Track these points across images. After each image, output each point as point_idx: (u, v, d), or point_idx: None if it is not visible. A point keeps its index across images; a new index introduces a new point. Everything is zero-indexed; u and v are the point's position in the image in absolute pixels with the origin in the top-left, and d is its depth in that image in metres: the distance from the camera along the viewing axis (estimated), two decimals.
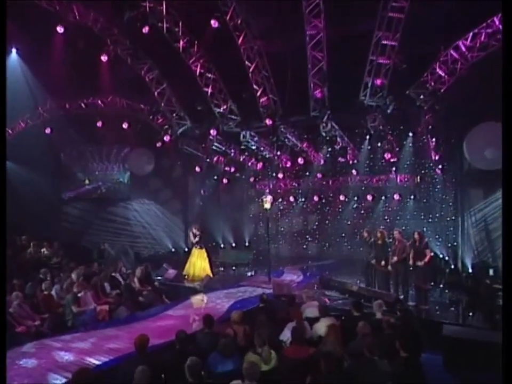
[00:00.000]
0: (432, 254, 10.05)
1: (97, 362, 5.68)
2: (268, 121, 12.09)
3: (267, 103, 12.38)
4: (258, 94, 12.36)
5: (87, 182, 18.43)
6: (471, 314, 8.99)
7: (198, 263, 12.23)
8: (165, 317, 8.22)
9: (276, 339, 5.98)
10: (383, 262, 10.20)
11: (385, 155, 12.91)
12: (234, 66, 12.40)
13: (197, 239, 12.34)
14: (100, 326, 7.64)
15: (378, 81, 10.35)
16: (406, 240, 10.10)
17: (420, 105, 10.47)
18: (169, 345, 6.08)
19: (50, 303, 8.23)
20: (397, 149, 13.72)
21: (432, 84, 10.28)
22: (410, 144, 14.05)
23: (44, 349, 6.12)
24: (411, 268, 9.65)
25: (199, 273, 12.07)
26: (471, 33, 9.70)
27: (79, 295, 8.47)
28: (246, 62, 11.91)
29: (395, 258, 9.80)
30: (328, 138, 12.53)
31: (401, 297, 9.46)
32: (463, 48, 9.89)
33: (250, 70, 12.01)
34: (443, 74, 10.28)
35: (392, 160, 13.87)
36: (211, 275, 12.06)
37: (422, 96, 10.41)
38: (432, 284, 10.56)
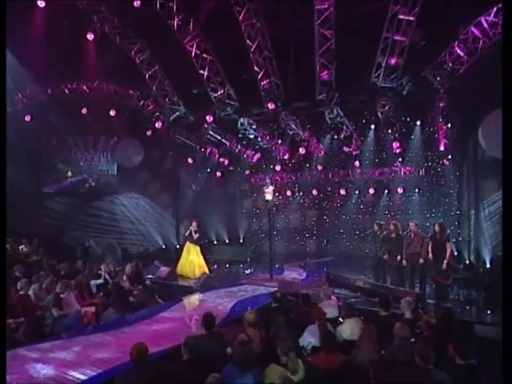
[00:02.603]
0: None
1: (82, 377, 4.63)
2: (270, 106, 11.13)
3: (269, 86, 11.41)
4: (260, 76, 11.38)
5: (69, 174, 16.90)
6: (489, 312, 8.31)
7: (195, 261, 11.20)
8: (160, 320, 7.19)
9: (297, 345, 5.05)
10: (398, 257, 9.37)
11: (394, 144, 12.08)
12: (233, 46, 11.47)
13: (197, 235, 11.30)
14: (85, 331, 6.56)
15: (392, 61, 9.51)
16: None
17: (436, 87, 9.62)
18: (171, 353, 5.09)
19: (27, 305, 7.10)
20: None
21: (450, 64, 9.44)
22: (418, 133, 13.36)
23: (16, 361, 5.01)
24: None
25: (197, 271, 11.04)
26: (494, 8, 8.90)
27: (61, 295, 7.36)
28: (247, 41, 10.91)
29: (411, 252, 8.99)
30: (333, 125, 11.60)
31: None
32: (485, 25, 9.09)
33: (251, 50, 11.02)
34: (462, 54, 9.48)
35: (397, 150, 13.10)
36: (208, 273, 11.04)
37: (438, 78, 9.58)
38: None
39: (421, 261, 8.97)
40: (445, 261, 8.41)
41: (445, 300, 8.49)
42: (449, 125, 11.14)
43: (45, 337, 6.13)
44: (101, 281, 9.10)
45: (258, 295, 9.17)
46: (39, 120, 15.45)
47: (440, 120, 11.13)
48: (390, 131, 11.60)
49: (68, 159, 16.93)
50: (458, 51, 9.40)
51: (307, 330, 5.43)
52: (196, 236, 11.34)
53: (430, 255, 8.71)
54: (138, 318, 7.32)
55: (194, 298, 9.14)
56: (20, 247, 12.89)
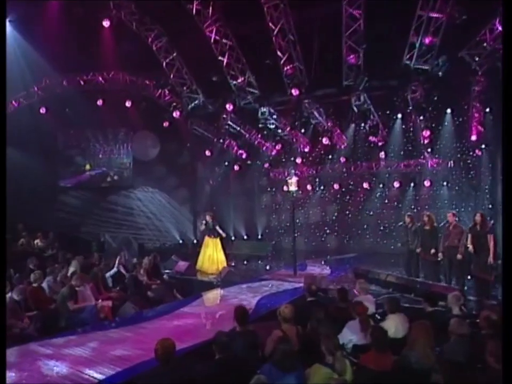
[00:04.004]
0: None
1: (99, 376, 4.14)
2: (294, 92, 10.51)
3: (292, 72, 10.80)
4: (282, 61, 10.78)
5: (88, 167, 16.41)
6: None
7: (215, 256, 10.70)
8: (181, 315, 6.69)
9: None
10: (432, 251, 8.72)
11: (424, 132, 11.37)
12: (254, 31, 10.87)
13: (214, 225, 10.79)
14: (102, 326, 6.10)
15: (427, 40, 8.81)
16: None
17: (474, 69, 8.91)
18: (197, 352, 4.58)
19: (40, 298, 6.67)
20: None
21: (491, 43, 8.72)
22: (449, 122, 12.64)
23: (27, 357, 4.56)
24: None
25: (217, 266, 10.53)
26: None
27: (76, 289, 6.91)
28: (270, 24, 10.34)
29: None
30: (360, 113, 10.95)
31: None
32: None
33: (274, 33, 10.44)
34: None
35: (426, 141, 12.39)
36: (228, 267, 10.51)
37: (477, 58, 8.87)
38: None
39: (459, 256, 8.30)
40: (490, 255, 7.68)
41: (488, 297, 7.82)
42: (486, 110, 10.35)
43: (59, 332, 5.65)
44: (114, 270, 8.62)
45: (284, 290, 8.65)
46: (55, 113, 15.15)
47: (476, 106, 10.39)
48: (421, 117, 10.86)
49: (86, 152, 16.46)
50: (500, 28, 8.65)
51: (347, 326, 4.86)
52: (212, 227, 10.84)
53: (471, 248, 8.01)
54: (157, 313, 6.86)
55: (215, 294, 8.63)
56: (35, 241, 12.61)
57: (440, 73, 9.18)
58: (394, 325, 4.96)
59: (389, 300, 5.29)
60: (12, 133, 14.54)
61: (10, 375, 4.08)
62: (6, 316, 4.92)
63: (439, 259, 8.68)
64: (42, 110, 14.99)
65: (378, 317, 5.68)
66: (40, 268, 8.16)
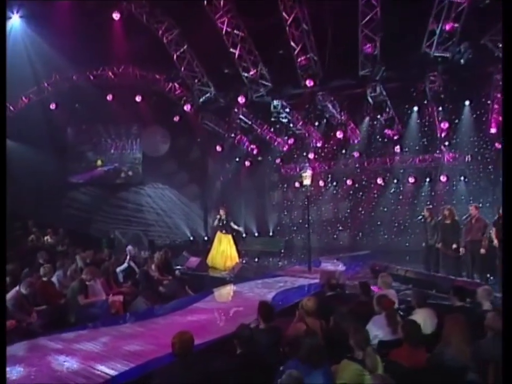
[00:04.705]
0: None
1: (112, 372, 3.91)
2: (309, 83, 10.22)
3: (306, 63, 10.51)
4: (296, 52, 10.50)
5: (99, 163, 16.22)
6: None
7: (227, 251, 10.46)
8: (195, 310, 6.44)
9: None
10: (454, 245, 8.38)
11: (442, 125, 11.01)
12: (267, 21, 10.58)
13: (227, 221, 10.57)
14: (113, 321, 5.87)
15: (447, 26, 8.46)
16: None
17: (498, 56, 8.54)
18: (215, 347, 4.33)
19: (50, 292, 6.47)
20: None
21: None
22: (467, 114, 12.25)
23: (36, 352, 4.35)
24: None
25: (229, 262, 10.29)
26: None
27: (87, 283, 6.69)
28: (283, 14, 10.06)
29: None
30: (376, 104, 10.62)
31: None
32: None
33: (288, 23, 10.16)
34: None
35: (444, 134, 12.02)
36: (242, 262, 10.27)
37: (500, 45, 8.48)
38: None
39: (482, 251, 7.96)
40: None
41: None
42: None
43: (69, 327, 5.44)
44: (125, 265, 8.41)
45: (299, 286, 8.39)
46: (65, 108, 15.04)
47: (496, 96, 10.01)
48: (440, 108, 10.49)
49: (97, 148, 16.25)
50: None
51: (372, 321, 4.58)
52: (225, 222, 10.60)
53: (496, 242, 7.66)
54: (170, 309, 6.63)
55: (229, 289, 8.38)
56: (45, 238, 12.48)
57: (462, 61, 8.81)
58: (422, 320, 4.64)
59: (417, 293, 4.98)
60: (22, 129, 14.68)
61: (18, 369, 3.87)
62: (6, 315, 4.74)
63: (460, 254, 8.35)
64: (52, 106, 14.91)
65: (401, 313, 5.39)
66: (50, 262, 7.99)
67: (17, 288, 5.90)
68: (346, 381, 3.23)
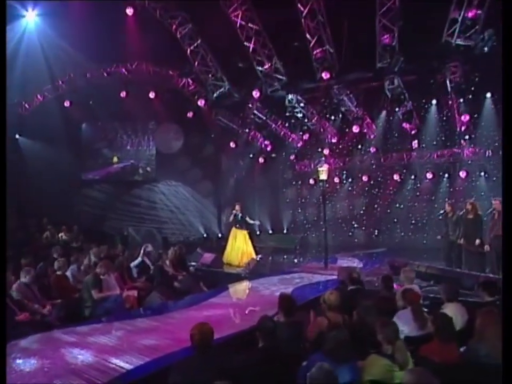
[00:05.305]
0: None
1: (127, 366, 3.77)
2: (325, 75, 9.99)
3: (322, 55, 10.29)
4: (312, 44, 10.27)
5: (115, 160, 16.14)
6: None
7: (243, 248, 10.32)
8: (210, 305, 6.29)
9: None
10: (477, 241, 8.09)
11: (462, 117, 10.67)
12: (282, 13, 10.37)
13: (242, 216, 10.44)
14: (128, 315, 5.75)
15: (470, 13, 8.15)
16: None
17: None
18: (233, 342, 4.17)
19: (64, 286, 6.39)
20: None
21: None
22: (485, 108, 11.86)
23: (50, 344, 4.24)
24: None
25: (244, 259, 10.14)
26: None
27: (101, 277, 6.59)
28: (298, 6, 9.86)
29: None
30: (394, 97, 10.34)
31: None
32: None
33: (303, 15, 9.95)
34: None
35: (463, 127, 11.68)
36: (257, 258, 10.11)
37: None
38: None
39: None
40: None
41: None
42: None
43: (83, 321, 5.34)
44: (139, 260, 8.31)
45: (316, 282, 8.19)
46: (79, 106, 15.05)
47: None
48: (461, 100, 10.15)
49: (113, 144, 16.17)
50: None
51: (397, 316, 4.36)
52: (240, 218, 10.45)
53: None
54: (185, 304, 6.49)
55: (245, 285, 8.22)
56: (60, 235, 12.50)
57: (485, 49, 8.48)
58: (453, 315, 4.42)
59: (447, 287, 4.71)
60: (37, 126, 14.76)
61: (32, 362, 3.77)
62: (6, 315, 4.65)
63: (485, 250, 8.05)
64: (67, 103, 14.94)
65: (425, 309, 5.16)
66: (64, 258, 7.94)
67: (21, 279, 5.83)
68: (375, 377, 3.04)
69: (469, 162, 13.23)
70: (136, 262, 8.29)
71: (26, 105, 15.43)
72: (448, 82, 9.98)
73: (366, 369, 3.09)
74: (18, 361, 3.84)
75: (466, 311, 4.52)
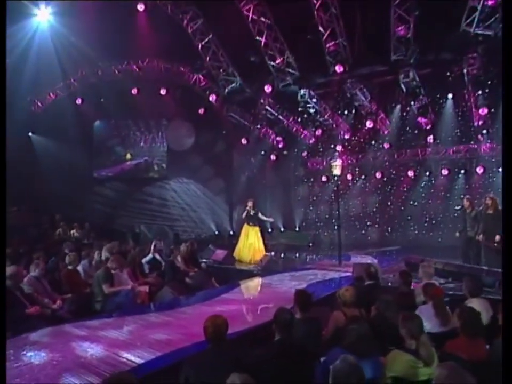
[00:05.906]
0: None
1: (138, 360, 3.66)
2: (338, 68, 9.80)
3: (335, 48, 10.10)
4: (324, 38, 10.09)
5: (128, 156, 16.08)
6: None
7: (255, 244, 10.18)
8: (223, 301, 6.17)
9: None
10: (497, 237, 7.82)
11: (480, 111, 10.37)
12: (294, 6, 10.22)
13: (255, 213, 10.31)
14: (139, 310, 5.66)
15: (490, 1, 7.89)
16: None
17: None
18: (246, 337, 4.04)
19: (75, 281, 6.33)
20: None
21: None
22: (501, 102, 11.50)
23: (60, 338, 4.16)
24: None
25: (256, 256, 10.00)
26: None
27: (112, 271, 6.51)
28: None
29: None
30: (409, 90, 10.09)
31: None
32: None
33: (316, 7, 9.77)
34: None
35: (480, 122, 11.36)
36: (270, 255, 9.97)
37: None
38: None
39: None
40: None
41: None
42: None
43: (94, 315, 5.26)
44: (150, 256, 8.23)
45: (330, 279, 8.01)
46: (90, 103, 15.08)
47: None
48: (479, 92, 9.85)
49: (126, 141, 16.13)
50: None
51: (419, 311, 4.18)
52: (253, 214, 10.32)
53: None
54: (197, 299, 6.37)
55: (257, 282, 8.08)
56: (71, 232, 12.52)
57: None
58: (478, 310, 4.24)
59: (470, 281, 4.50)
60: (50, 124, 14.82)
61: (41, 355, 3.69)
62: (6, 314, 4.58)
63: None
64: (78, 101, 14.99)
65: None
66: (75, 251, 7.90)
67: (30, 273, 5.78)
68: (398, 373, 2.88)
69: (486, 158, 12.89)
70: (148, 258, 8.21)
71: (39, 103, 15.55)
72: (465, 74, 9.70)
73: (388, 365, 2.93)
74: (29, 353, 3.77)
75: (491, 308, 4.32)
